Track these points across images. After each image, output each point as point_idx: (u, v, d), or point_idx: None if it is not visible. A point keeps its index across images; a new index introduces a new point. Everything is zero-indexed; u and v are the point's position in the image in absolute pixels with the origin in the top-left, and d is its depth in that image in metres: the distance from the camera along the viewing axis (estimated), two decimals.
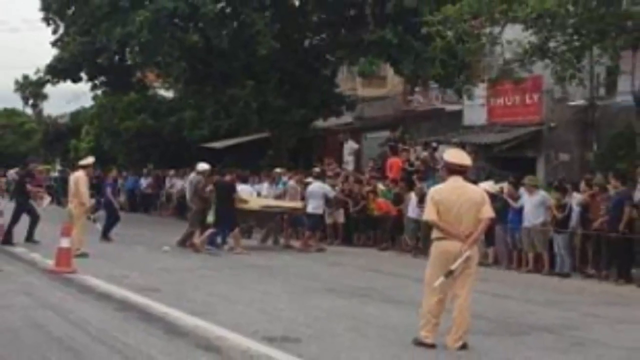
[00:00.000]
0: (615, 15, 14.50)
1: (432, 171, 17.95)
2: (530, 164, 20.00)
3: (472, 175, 11.98)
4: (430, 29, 16.02)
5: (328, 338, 7.55)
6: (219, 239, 15.84)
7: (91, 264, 12.63)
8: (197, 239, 15.59)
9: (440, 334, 7.16)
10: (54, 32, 25.90)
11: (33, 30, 75.86)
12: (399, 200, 16.95)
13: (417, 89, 26.66)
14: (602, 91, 19.64)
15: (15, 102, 67.05)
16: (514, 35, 15.78)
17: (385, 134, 24.73)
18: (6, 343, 7.09)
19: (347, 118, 28.24)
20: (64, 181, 24.57)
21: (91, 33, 23.44)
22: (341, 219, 18.12)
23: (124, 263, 13.36)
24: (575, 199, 13.72)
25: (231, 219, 15.53)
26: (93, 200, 16.48)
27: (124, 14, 21.81)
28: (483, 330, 7.84)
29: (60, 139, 46.78)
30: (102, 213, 17.95)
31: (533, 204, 13.99)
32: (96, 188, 19.05)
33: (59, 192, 27.69)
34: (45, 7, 25.27)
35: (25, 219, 15.96)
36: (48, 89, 34.55)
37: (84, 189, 14.36)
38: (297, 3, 24.31)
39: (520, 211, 14.19)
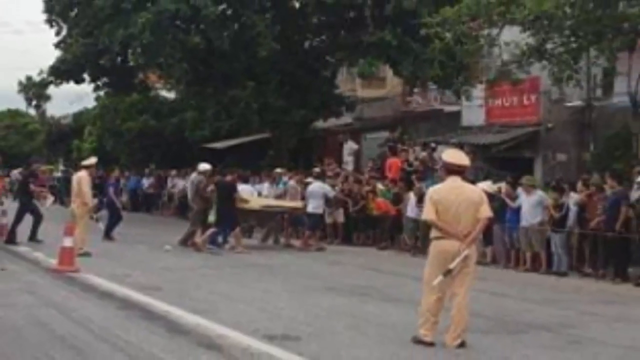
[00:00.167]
0: (612, 17, 14.55)
1: (430, 171, 17.96)
2: (527, 164, 20.07)
3: (470, 175, 12.02)
4: (429, 30, 16.09)
5: (328, 336, 7.57)
6: (220, 238, 15.85)
7: (94, 263, 12.65)
8: (198, 238, 15.64)
9: (439, 332, 7.18)
10: (57, 33, 25.94)
11: (36, 32, 76.15)
12: (398, 200, 16.98)
13: (416, 90, 26.62)
14: (598, 92, 19.69)
15: (19, 103, 67.52)
16: (512, 37, 15.87)
17: (385, 134, 24.82)
18: (10, 341, 7.13)
19: (346, 119, 28.25)
20: (67, 181, 24.50)
21: (94, 35, 23.44)
22: (341, 218, 18.17)
23: (126, 262, 13.35)
24: (573, 199, 13.73)
25: (232, 219, 15.57)
26: (96, 200, 16.51)
27: (126, 16, 21.85)
28: (481, 328, 7.87)
29: (63, 139, 46.82)
30: (104, 213, 17.90)
31: (531, 204, 14.03)
32: (99, 188, 19.04)
33: (62, 192, 27.62)
34: (49, 9, 25.32)
35: (28, 219, 15.97)
36: (51, 90, 34.56)
37: (87, 189, 14.37)
38: (297, 5, 24.32)
39: (518, 211, 14.22)
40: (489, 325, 8.26)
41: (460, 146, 16.81)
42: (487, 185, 13.44)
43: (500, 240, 14.56)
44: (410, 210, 15.95)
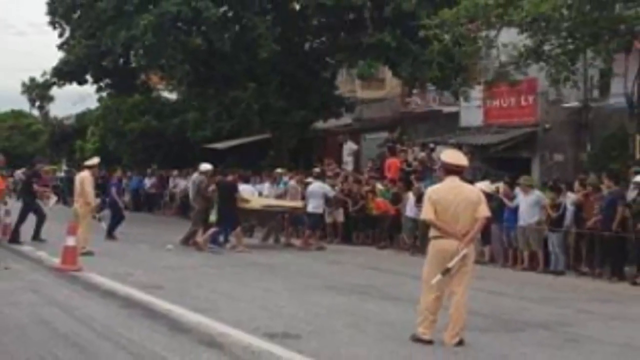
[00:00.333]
0: (608, 19, 14.58)
1: (429, 171, 18.00)
2: (525, 164, 20.09)
3: (468, 175, 12.00)
4: (428, 32, 16.11)
5: (328, 334, 7.61)
6: (221, 238, 15.94)
7: (96, 262, 12.69)
8: (200, 238, 15.69)
9: (438, 330, 7.21)
10: (60, 35, 26.02)
11: (40, 33, 76.25)
12: (397, 199, 17.01)
13: (414, 91, 26.67)
14: (595, 93, 19.67)
15: (23, 104, 67.73)
16: (510, 39, 15.91)
17: (384, 135, 24.85)
18: (14, 339, 7.17)
19: (346, 119, 28.31)
20: (69, 181, 24.62)
21: (96, 36, 23.51)
22: (341, 218, 18.22)
23: (129, 261, 13.38)
24: (570, 199, 13.76)
25: (233, 218, 15.63)
26: (98, 200, 16.54)
27: (129, 17, 21.91)
28: (479, 326, 7.90)
29: (66, 139, 46.89)
30: (107, 212, 18.06)
31: (528, 204, 14.05)
32: (101, 188, 19.06)
33: (65, 191, 27.73)
34: (52, 11, 25.38)
35: (32, 218, 16.01)
36: (54, 91, 34.75)
37: (90, 189, 14.44)
38: (297, 7, 24.35)
39: (515, 210, 14.25)
40: (487, 324, 8.29)
41: (458, 146, 16.77)
42: (485, 185, 13.51)
43: (498, 239, 14.60)
44: (409, 210, 15.98)
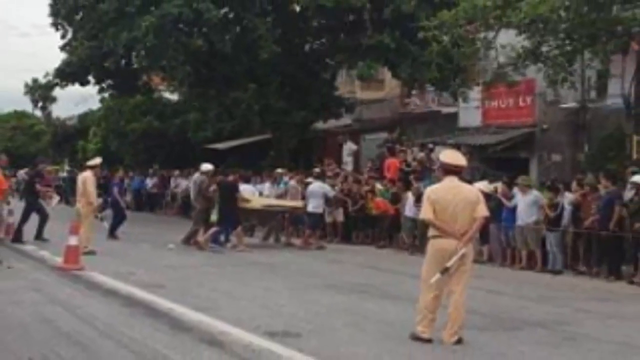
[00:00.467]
0: (606, 20, 14.62)
1: (428, 171, 18.02)
2: (523, 165, 20.14)
3: (467, 175, 12.07)
4: (427, 33, 16.17)
5: (328, 333, 7.63)
6: (222, 237, 16.00)
7: (98, 261, 12.73)
8: (201, 237, 15.74)
9: (437, 329, 7.24)
10: (63, 36, 26.07)
11: (42, 35, 76.27)
12: (396, 199, 17.04)
13: (414, 92, 26.74)
14: (593, 94, 19.69)
15: (25, 104, 68.20)
16: (508, 40, 15.97)
17: (383, 135, 24.89)
18: (17, 337, 7.21)
19: (346, 120, 28.37)
20: (72, 181, 24.60)
21: (98, 38, 23.56)
22: (340, 217, 18.27)
23: (130, 260, 13.44)
24: (567, 199, 13.78)
25: (234, 218, 15.68)
26: (100, 200, 16.63)
27: (130, 19, 21.96)
28: (478, 325, 7.93)
29: (68, 140, 46.94)
30: (109, 212, 18.10)
31: (526, 203, 14.09)
32: (103, 188, 19.20)
33: (68, 191, 27.81)
34: (54, 12, 25.45)
35: (34, 218, 16.09)
36: (57, 91, 34.97)
37: (92, 189, 14.51)
38: (297, 9, 24.37)
39: (513, 210, 14.29)
40: (485, 322, 8.32)
41: (457, 147, 16.79)
42: (483, 185, 13.51)
43: (497, 239, 14.64)
44: (409, 210, 16.02)
